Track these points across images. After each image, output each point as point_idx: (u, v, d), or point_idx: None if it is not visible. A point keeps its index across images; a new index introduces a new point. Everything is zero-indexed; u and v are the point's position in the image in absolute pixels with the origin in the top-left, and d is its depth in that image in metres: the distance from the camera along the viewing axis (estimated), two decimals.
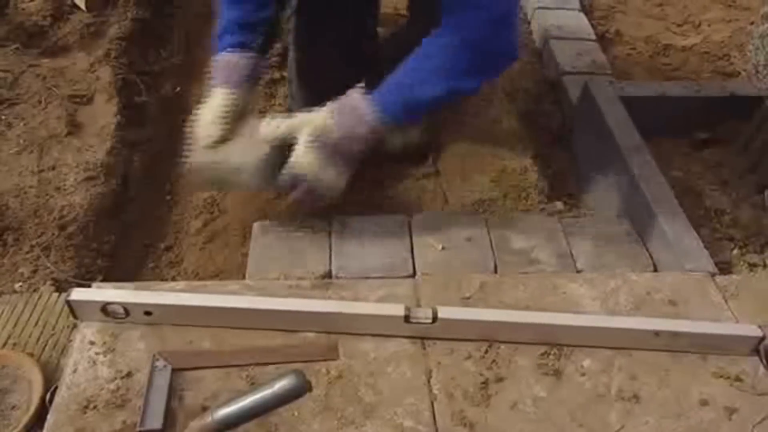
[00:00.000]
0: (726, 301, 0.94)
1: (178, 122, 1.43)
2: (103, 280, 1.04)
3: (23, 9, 1.45)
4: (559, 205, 1.22)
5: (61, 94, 1.34)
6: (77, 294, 0.85)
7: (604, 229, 1.08)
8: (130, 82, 1.41)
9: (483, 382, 0.82)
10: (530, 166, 1.29)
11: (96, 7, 1.47)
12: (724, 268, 1.04)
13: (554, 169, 1.37)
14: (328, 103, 0.95)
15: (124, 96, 1.38)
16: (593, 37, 1.67)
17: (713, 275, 0.98)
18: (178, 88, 1.49)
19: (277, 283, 0.94)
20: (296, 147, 0.93)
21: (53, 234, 1.09)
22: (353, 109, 0.93)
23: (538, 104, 1.54)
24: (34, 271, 1.04)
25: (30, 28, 1.42)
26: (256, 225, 1.06)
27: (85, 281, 1.02)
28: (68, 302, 0.84)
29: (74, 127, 1.30)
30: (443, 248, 1.01)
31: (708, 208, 1.21)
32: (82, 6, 1.47)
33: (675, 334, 0.86)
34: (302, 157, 0.92)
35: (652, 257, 1.04)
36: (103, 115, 1.34)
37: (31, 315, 0.91)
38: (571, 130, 1.44)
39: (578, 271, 1.00)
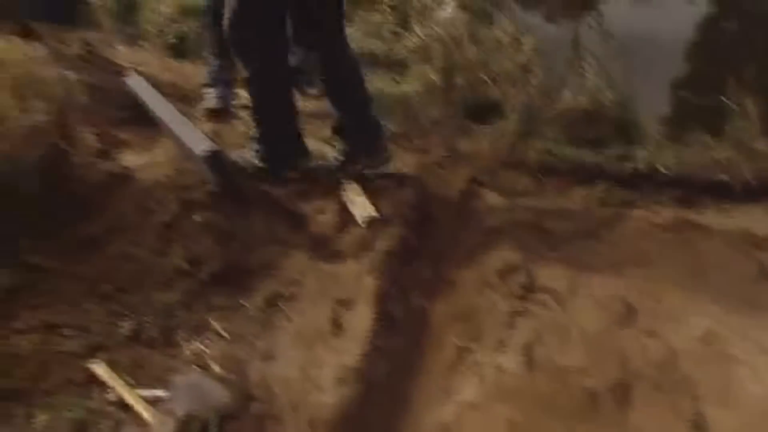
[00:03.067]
0: None
1: (423, 337, 1.54)
2: None
3: (318, 221, 1.78)
4: None
5: (332, 297, 1.56)
6: None
7: None
8: (387, 293, 1.59)
9: None
10: None
11: (372, 227, 1.74)
12: None
13: None
14: None
15: (382, 305, 1.55)
16: None
17: None
18: (424, 303, 1.62)
19: None
20: None
21: None
22: None
23: None
24: None
25: (319, 237, 1.73)
26: None
27: None
28: None
29: (337, 329, 1.48)
30: None
31: None
32: (361, 223, 1.76)
33: None
34: None
35: None
36: (362, 321, 1.50)
37: None
38: None
39: None
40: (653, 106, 2.67)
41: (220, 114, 2.14)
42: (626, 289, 1.55)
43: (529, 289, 1.54)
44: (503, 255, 1.67)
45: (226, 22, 1.70)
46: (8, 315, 1.33)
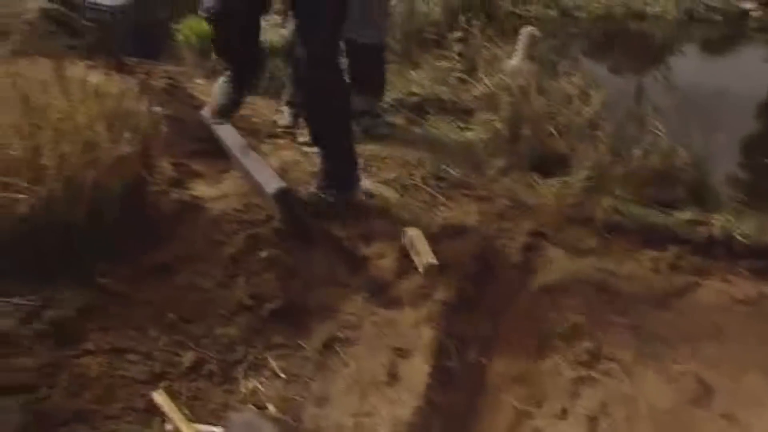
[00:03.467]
0: None
1: (480, 396, 1.50)
2: None
3: (378, 265, 1.78)
4: None
5: (388, 345, 1.54)
6: None
7: None
8: (443, 346, 1.55)
9: None
10: None
11: (432, 274, 1.73)
12: None
13: None
14: None
15: (438, 358, 1.51)
16: None
17: None
18: (482, 359, 1.57)
19: None
20: None
21: None
22: None
23: None
24: None
25: (379, 281, 1.72)
26: None
27: None
28: None
29: (392, 379, 1.45)
30: None
31: None
32: (421, 270, 1.75)
33: None
34: None
35: None
36: (418, 372, 1.47)
37: None
38: None
39: None
40: (728, 168, 2.57)
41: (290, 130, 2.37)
42: (700, 365, 1.46)
43: (595, 356, 1.47)
44: (567, 316, 1.61)
45: (313, 64, 1.78)
46: (80, 335, 1.38)
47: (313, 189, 1.92)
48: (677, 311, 1.68)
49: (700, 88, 3.06)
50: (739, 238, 1.91)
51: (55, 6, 2.11)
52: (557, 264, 1.90)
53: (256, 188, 1.82)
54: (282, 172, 2.02)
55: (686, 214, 2.03)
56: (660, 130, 2.38)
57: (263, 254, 1.63)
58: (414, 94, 2.81)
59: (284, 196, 1.71)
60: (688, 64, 3.85)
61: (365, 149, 2.47)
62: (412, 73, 3.00)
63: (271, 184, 1.72)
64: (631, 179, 2.15)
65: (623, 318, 1.61)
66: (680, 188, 2.14)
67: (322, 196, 1.90)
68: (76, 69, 1.66)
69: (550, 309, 1.69)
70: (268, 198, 1.73)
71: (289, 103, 2.39)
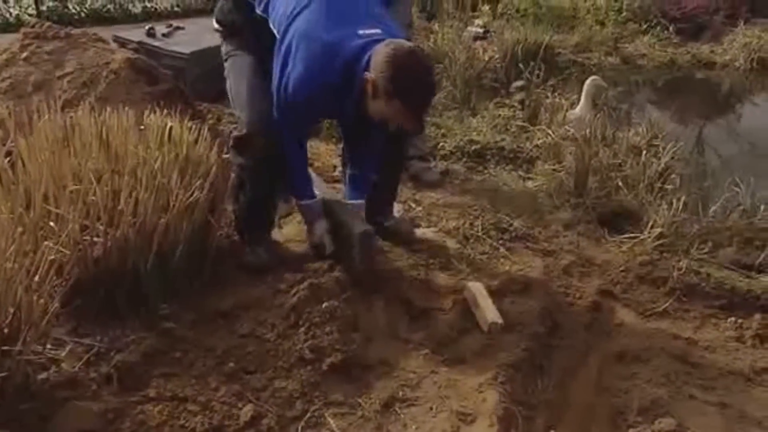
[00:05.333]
0: None
1: None
2: None
3: (439, 319, 1.72)
4: None
5: (450, 408, 1.46)
6: None
7: None
8: (509, 413, 1.46)
9: None
10: None
11: (495, 331, 1.65)
12: None
13: None
14: None
15: (502, 425, 1.42)
16: None
17: None
18: (551, 431, 1.47)
19: None
20: None
21: None
22: None
23: None
24: None
25: (440, 337, 1.66)
26: None
27: None
28: None
29: None
30: None
31: None
32: (485, 328, 1.68)
33: None
34: None
35: None
36: None
37: None
38: None
39: None
40: None
41: None
42: None
43: None
44: (644, 388, 1.49)
45: None
46: (144, 380, 1.38)
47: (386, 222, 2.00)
48: None
49: None
50: None
51: (139, 56, 2.23)
52: (629, 327, 1.79)
53: (338, 229, 1.81)
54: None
55: None
56: (738, 187, 2.25)
57: (324, 305, 1.60)
58: (474, 141, 2.79)
59: (368, 239, 1.71)
60: (763, 116, 3.69)
61: (424, 196, 2.45)
62: (472, 120, 2.99)
63: (357, 225, 1.73)
64: (708, 239, 2.02)
65: (707, 394, 1.48)
66: (764, 250, 1.99)
67: (389, 224, 2.00)
68: (154, 116, 1.72)
69: (623, 378, 1.57)
70: (353, 238, 1.71)
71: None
